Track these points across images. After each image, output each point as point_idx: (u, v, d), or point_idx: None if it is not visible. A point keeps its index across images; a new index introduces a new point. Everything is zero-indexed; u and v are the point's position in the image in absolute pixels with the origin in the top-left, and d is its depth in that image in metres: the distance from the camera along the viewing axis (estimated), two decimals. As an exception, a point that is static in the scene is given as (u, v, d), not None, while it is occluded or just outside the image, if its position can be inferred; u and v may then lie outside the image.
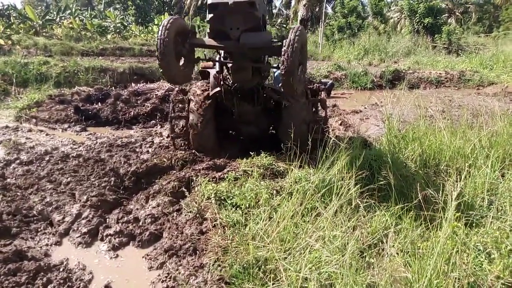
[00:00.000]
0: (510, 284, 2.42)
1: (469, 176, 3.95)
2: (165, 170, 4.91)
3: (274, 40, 4.17)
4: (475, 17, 34.09)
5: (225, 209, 3.75)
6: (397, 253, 2.78)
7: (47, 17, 19.75)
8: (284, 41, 3.77)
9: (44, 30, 18.14)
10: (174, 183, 4.42)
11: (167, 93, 9.50)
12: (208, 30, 4.26)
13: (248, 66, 4.57)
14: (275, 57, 4.88)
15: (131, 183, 4.79)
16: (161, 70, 4.01)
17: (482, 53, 19.88)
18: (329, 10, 32.11)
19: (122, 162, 5.45)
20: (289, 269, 2.65)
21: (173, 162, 5.05)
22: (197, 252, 3.26)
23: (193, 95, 5.36)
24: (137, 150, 6.35)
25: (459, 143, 4.70)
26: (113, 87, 11.15)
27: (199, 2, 32.60)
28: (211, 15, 3.98)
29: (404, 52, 20.55)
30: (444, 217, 2.73)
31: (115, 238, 3.66)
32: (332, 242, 2.82)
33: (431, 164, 4.56)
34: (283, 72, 3.80)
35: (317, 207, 3.34)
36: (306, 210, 3.46)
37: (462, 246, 2.65)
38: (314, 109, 5.73)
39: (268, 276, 2.72)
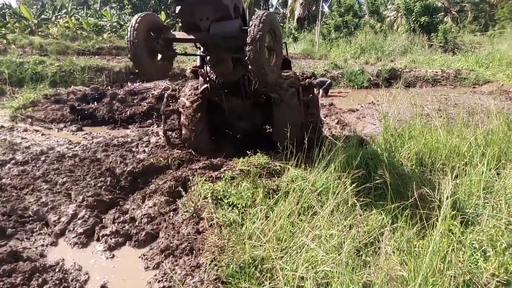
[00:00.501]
0: (505, 282, 2.43)
1: (465, 175, 3.97)
2: (161, 170, 4.90)
3: (245, 28, 3.94)
4: (471, 15, 34.22)
5: (222, 209, 3.75)
6: (393, 252, 2.79)
7: (43, 16, 19.67)
8: (249, 28, 3.60)
9: (39, 29, 18.05)
10: (170, 182, 4.41)
11: (163, 92, 9.45)
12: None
13: (227, 58, 4.43)
14: None
15: (127, 183, 4.77)
16: (136, 70, 4.00)
17: (478, 52, 19.94)
18: (326, 9, 32.17)
19: (118, 162, 5.43)
20: (286, 268, 2.65)
21: (169, 161, 5.04)
22: (194, 251, 3.25)
23: (183, 96, 5.35)
24: (134, 149, 6.33)
25: (455, 141, 4.72)
26: (109, 87, 11.13)
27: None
28: (179, 7, 3.90)
29: (400, 51, 20.59)
30: (439, 215, 2.74)
31: (111, 238, 3.65)
32: (328, 241, 2.83)
33: (427, 162, 4.57)
34: (249, 61, 3.63)
35: (314, 206, 3.35)
36: (302, 209, 3.47)
37: (458, 244, 2.66)
38: (307, 107, 5.50)
39: (265, 276, 2.72)
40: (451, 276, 2.38)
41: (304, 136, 4.28)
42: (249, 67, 3.71)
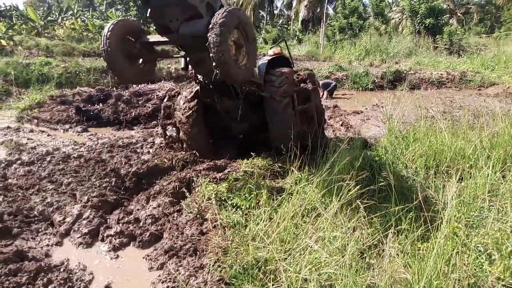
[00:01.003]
0: (510, 286, 2.41)
1: (470, 177, 3.94)
2: (166, 171, 4.92)
3: None
4: (477, 17, 34.07)
5: (226, 210, 3.76)
6: (397, 254, 2.77)
7: (49, 18, 19.84)
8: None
9: (46, 31, 18.21)
10: (174, 183, 4.43)
11: (168, 93, 9.51)
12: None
13: (205, 57, 4.12)
14: None
15: (132, 184, 4.80)
16: (115, 77, 3.99)
17: (483, 54, 19.82)
18: (330, 11, 32.11)
19: (123, 163, 5.46)
20: (289, 270, 2.65)
21: (174, 162, 5.07)
22: (198, 252, 3.26)
23: (178, 110, 5.39)
24: (138, 150, 6.36)
25: (460, 144, 4.69)
26: (114, 88, 11.17)
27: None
28: (149, 10, 3.84)
29: (405, 53, 20.52)
30: (444, 217, 2.73)
31: (115, 239, 3.67)
32: (332, 243, 2.82)
33: (431, 165, 4.55)
34: (209, 48, 3.42)
35: (317, 208, 3.34)
36: (306, 210, 3.46)
37: (463, 247, 2.64)
38: (304, 116, 5.23)
39: (268, 277, 2.72)
40: (456, 279, 2.36)
41: (303, 142, 4.23)
42: (210, 54, 3.49)
